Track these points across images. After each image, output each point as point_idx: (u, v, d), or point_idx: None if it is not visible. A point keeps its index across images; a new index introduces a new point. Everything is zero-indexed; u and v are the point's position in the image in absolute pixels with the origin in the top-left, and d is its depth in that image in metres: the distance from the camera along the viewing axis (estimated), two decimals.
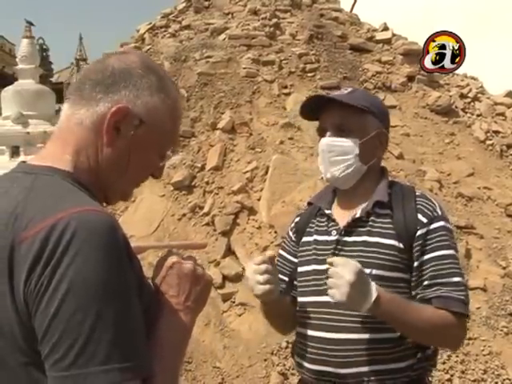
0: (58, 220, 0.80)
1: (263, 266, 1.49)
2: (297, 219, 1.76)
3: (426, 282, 1.48)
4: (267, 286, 1.49)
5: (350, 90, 1.65)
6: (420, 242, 1.49)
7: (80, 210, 0.82)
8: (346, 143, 1.56)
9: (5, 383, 0.84)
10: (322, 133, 1.63)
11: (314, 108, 1.64)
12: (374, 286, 1.40)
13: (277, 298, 1.55)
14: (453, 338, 1.55)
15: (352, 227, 1.57)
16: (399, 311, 1.43)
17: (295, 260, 1.68)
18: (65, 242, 0.78)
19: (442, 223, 1.52)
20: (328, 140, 1.58)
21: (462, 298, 1.47)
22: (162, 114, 0.99)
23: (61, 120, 0.99)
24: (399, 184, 1.67)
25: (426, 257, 1.49)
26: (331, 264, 1.40)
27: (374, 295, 1.38)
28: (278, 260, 1.76)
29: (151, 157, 1.01)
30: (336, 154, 1.57)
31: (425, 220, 1.50)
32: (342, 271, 1.36)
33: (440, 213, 1.54)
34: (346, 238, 1.56)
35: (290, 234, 1.76)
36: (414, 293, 1.51)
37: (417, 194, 1.58)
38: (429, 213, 1.52)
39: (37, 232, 0.80)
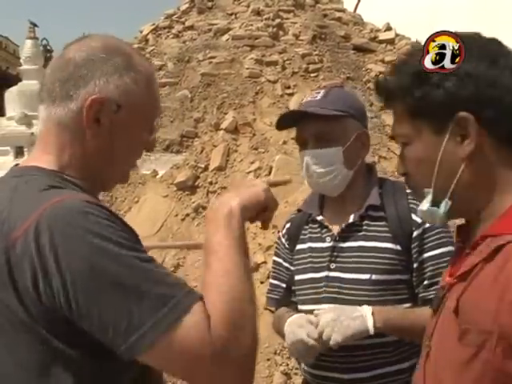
0: (40, 215, 0.81)
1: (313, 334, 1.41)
2: (288, 225, 1.71)
3: (425, 282, 1.48)
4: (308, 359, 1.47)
5: (322, 93, 1.56)
6: (417, 242, 1.48)
7: (59, 200, 0.83)
8: (330, 153, 1.51)
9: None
10: (302, 143, 1.57)
11: (295, 118, 1.59)
12: (363, 306, 1.42)
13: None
14: None
15: (346, 233, 1.54)
16: (400, 322, 1.44)
17: (291, 267, 1.66)
18: (47, 237, 0.80)
19: None
20: (311, 153, 1.53)
21: None
22: (137, 92, 0.97)
23: (40, 124, 1.00)
24: (389, 181, 1.65)
25: (425, 256, 1.48)
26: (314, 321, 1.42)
27: (369, 310, 1.40)
28: (273, 267, 1.75)
29: (139, 135, 1.00)
30: (321, 166, 1.52)
31: (419, 220, 1.48)
32: (324, 318, 1.40)
33: None
34: (341, 244, 1.54)
35: (283, 240, 1.71)
36: (416, 291, 1.51)
37: (408, 191, 1.53)
38: None
39: (25, 229, 0.81)
